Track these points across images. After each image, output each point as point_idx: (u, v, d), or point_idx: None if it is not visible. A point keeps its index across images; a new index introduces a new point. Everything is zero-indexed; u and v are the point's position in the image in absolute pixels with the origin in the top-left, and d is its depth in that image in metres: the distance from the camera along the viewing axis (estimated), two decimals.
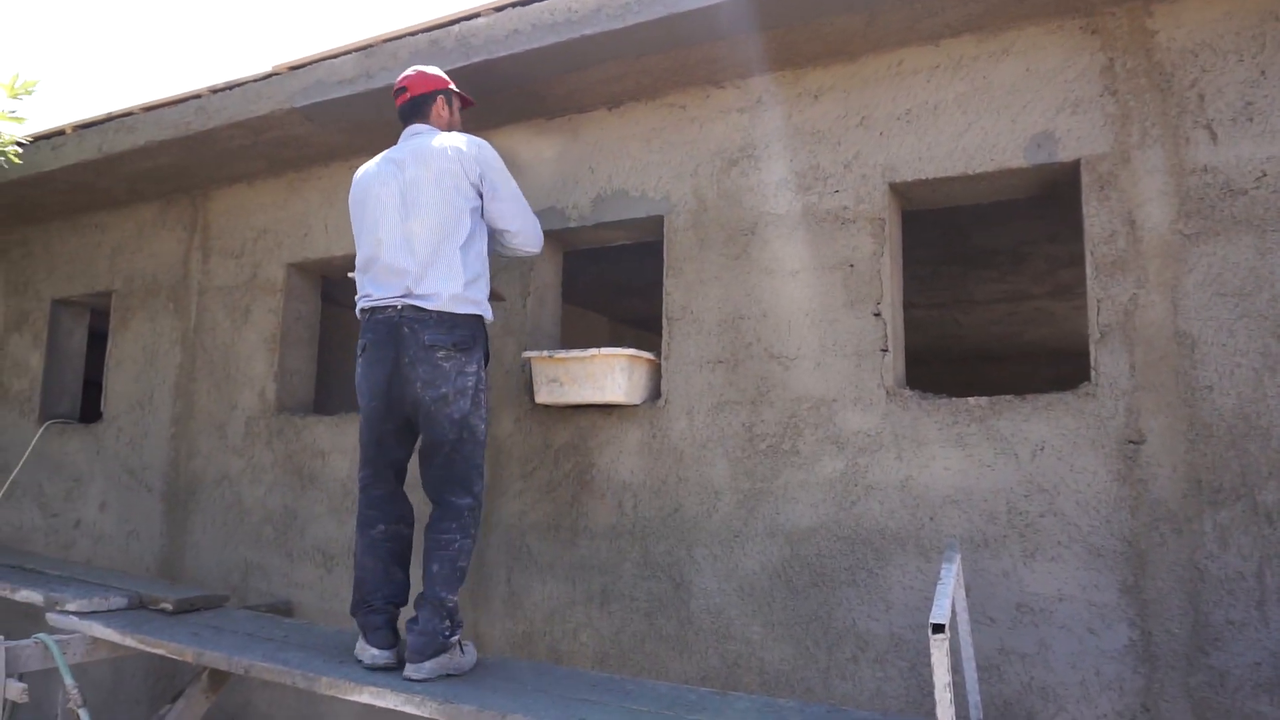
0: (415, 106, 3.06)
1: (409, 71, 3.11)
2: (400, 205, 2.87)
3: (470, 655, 2.87)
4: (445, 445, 2.82)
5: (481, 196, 2.95)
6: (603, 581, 3.31)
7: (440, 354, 2.76)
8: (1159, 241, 2.61)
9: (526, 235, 3.09)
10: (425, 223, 2.83)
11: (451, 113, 3.14)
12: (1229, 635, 2.42)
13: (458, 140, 2.94)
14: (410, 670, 2.68)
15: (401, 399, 2.83)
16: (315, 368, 4.56)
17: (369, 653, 2.83)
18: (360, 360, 2.91)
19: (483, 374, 2.91)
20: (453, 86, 3.13)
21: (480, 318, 2.91)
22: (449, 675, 2.75)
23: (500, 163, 3.01)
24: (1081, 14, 2.78)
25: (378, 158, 3.07)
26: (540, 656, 3.36)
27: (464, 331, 2.82)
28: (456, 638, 2.79)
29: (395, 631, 2.87)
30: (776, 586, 2.99)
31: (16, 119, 3.57)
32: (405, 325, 2.78)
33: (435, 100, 3.07)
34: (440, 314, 2.79)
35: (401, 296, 2.81)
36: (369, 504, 2.95)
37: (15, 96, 3.57)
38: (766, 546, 3.02)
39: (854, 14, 2.85)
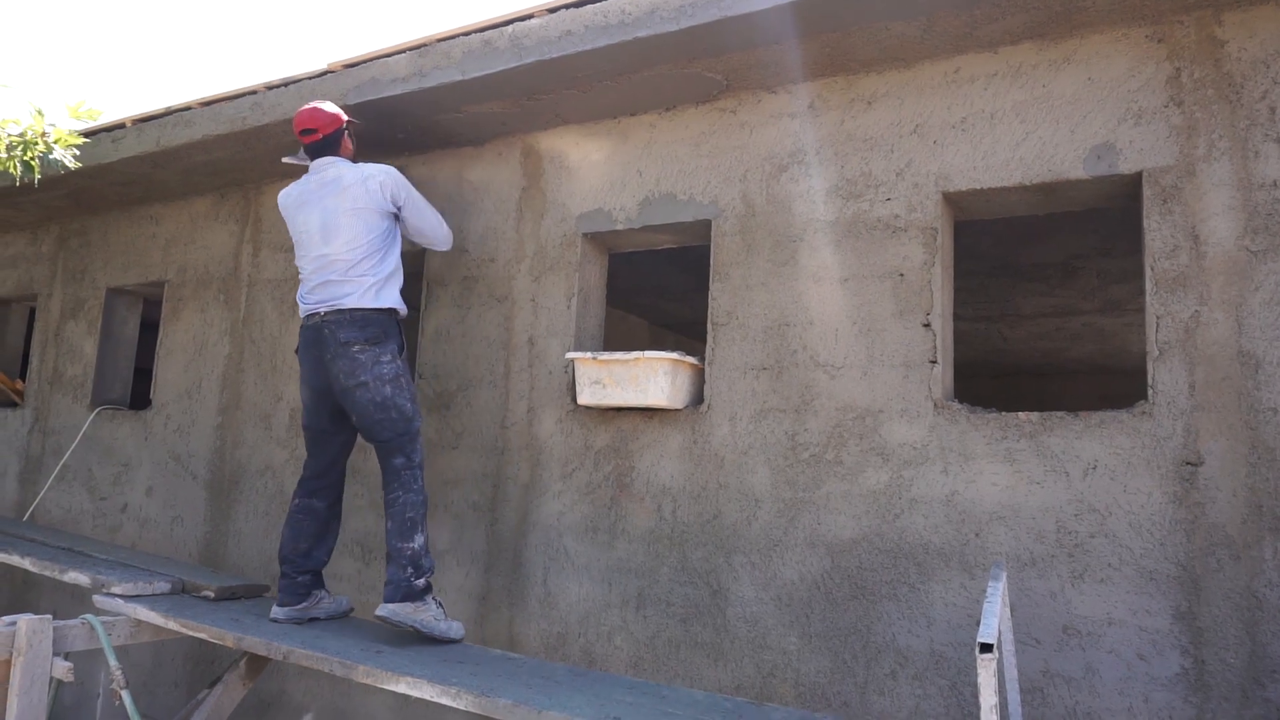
0: (327, 144, 3.45)
1: (309, 113, 3.43)
2: (321, 231, 3.33)
3: (453, 629, 3.11)
4: (372, 424, 3.21)
5: (398, 216, 3.46)
6: (639, 585, 3.29)
7: (355, 348, 3.20)
8: (1224, 257, 2.54)
9: (441, 234, 3.63)
10: (343, 245, 3.29)
11: (352, 143, 3.60)
12: None
13: (372, 171, 3.37)
14: (378, 609, 3.04)
15: (328, 390, 3.28)
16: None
17: (273, 608, 3.31)
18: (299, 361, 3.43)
19: (400, 362, 3.28)
20: (347, 119, 3.52)
21: (392, 311, 3.32)
22: (421, 633, 3.00)
23: (409, 185, 3.47)
24: (1148, 22, 2.71)
25: (297, 186, 3.49)
26: (574, 658, 3.36)
27: (374, 328, 3.24)
28: (422, 582, 3.07)
29: (296, 594, 3.30)
30: (815, 597, 2.95)
31: (73, 137, 3.77)
32: (326, 328, 3.25)
33: (342, 137, 3.49)
34: (353, 312, 3.24)
35: (323, 303, 3.29)
36: (298, 482, 3.43)
37: (78, 118, 3.74)
38: (806, 557, 2.99)
39: (911, 19, 2.81)
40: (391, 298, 3.33)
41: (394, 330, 3.31)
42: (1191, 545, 2.47)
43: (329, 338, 3.23)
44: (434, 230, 3.58)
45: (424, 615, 3.04)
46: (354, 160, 3.56)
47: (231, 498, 4.60)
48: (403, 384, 3.24)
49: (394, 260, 3.39)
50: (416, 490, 3.18)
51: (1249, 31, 2.59)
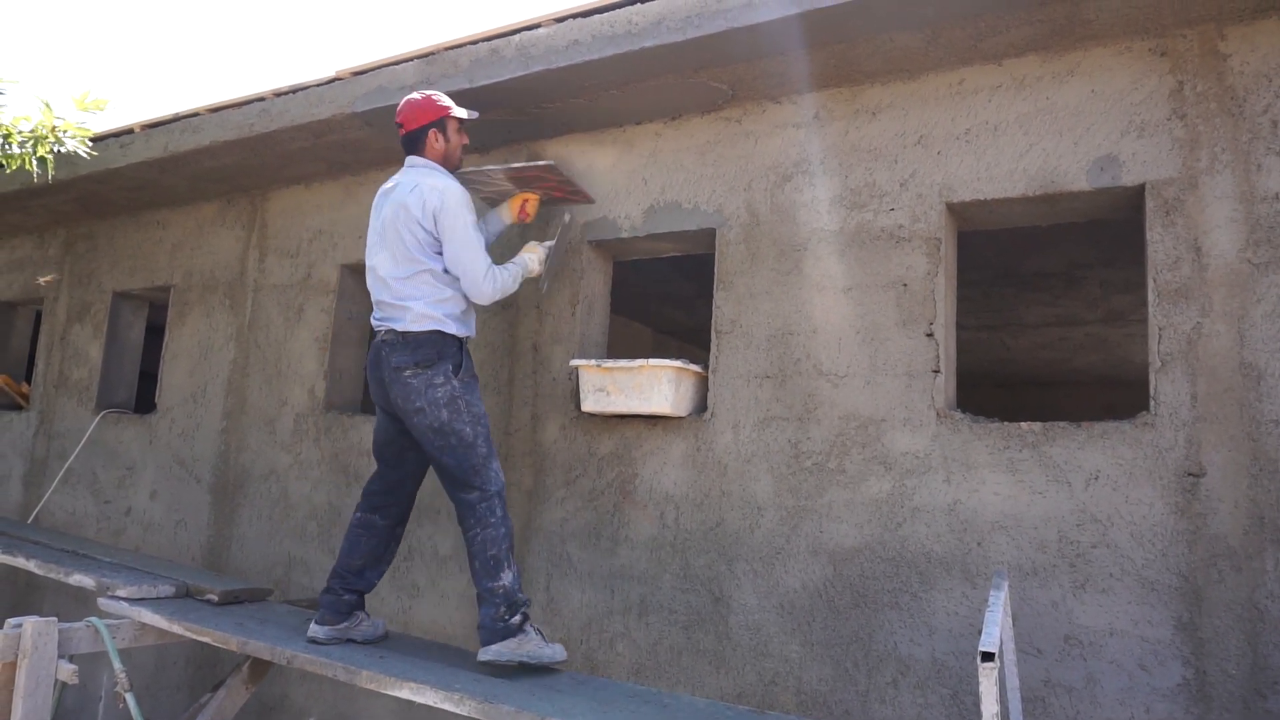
0: (411, 142, 3.21)
1: (404, 103, 3.20)
2: (379, 241, 3.14)
3: (556, 653, 2.91)
4: (434, 451, 3.03)
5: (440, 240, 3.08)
6: (641, 592, 3.30)
7: (407, 373, 3.00)
8: (1226, 270, 2.55)
9: (467, 282, 3.06)
10: (390, 256, 3.08)
11: (447, 140, 3.20)
12: None
13: (425, 188, 3.05)
14: (480, 654, 2.86)
15: (394, 410, 3.10)
16: (364, 368, 4.63)
17: (311, 625, 3.13)
18: None
19: (456, 383, 3.00)
20: (452, 111, 3.18)
21: (442, 333, 3.02)
22: (525, 663, 2.84)
23: (460, 211, 3.03)
24: (1151, 35, 2.73)
25: (389, 181, 3.23)
26: (576, 665, 3.36)
27: (426, 350, 3.00)
28: (518, 619, 2.88)
29: (338, 612, 3.12)
30: (817, 606, 2.96)
31: (84, 130, 3.73)
32: (384, 348, 3.06)
33: (428, 134, 3.17)
34: (405, 335, 3.02)
35: (382, 322, 3.11)
36: (362, 493, 3.27)
37: (85, 110, 3.72)
38: (809, 565, 2.99)
39: (916, 31, 2.83)
40: (447, 321, 3.03)
41: (449, 351, 3.02)
42: (1193, 556, 2.48)
43: (385, 360, 3.03)
44: (465, 269, 3.04)
45: (528, 648, 2.86)
46: (458, 163, 3.25)
47: (235, 502, 4.62)
48: (460, 406, 2.98)
49: (450, 286, 3.07)
50: (495, 523, 2.95)
51: (1251, 45, 2.61)
